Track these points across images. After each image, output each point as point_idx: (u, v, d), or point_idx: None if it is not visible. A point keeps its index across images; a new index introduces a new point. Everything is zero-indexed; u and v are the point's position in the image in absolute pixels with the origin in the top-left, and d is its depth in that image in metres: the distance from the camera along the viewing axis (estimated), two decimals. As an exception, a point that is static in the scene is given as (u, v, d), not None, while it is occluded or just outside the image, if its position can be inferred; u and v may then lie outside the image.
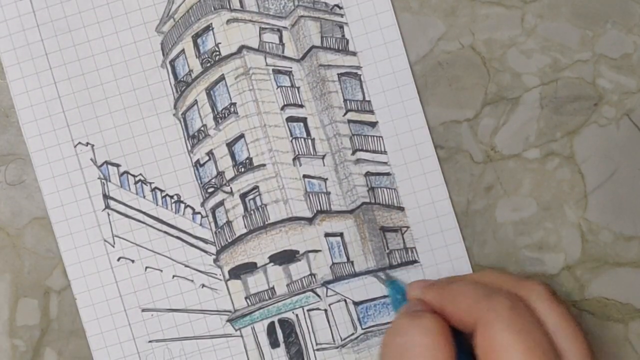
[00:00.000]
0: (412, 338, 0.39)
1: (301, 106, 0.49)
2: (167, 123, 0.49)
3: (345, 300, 0.49)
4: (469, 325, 0.39)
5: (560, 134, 0.49)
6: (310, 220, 0.49)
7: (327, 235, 0.49)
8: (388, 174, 0.49)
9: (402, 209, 0.49)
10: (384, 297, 0.49)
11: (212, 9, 0.49)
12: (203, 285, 0.49)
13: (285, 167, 0.49)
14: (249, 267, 0.49)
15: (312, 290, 0.49)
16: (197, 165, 0.49)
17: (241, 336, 0.49)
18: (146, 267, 0.49)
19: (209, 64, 0.49)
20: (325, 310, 0.49)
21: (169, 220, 0.49)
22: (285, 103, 0.49)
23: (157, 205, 0.49)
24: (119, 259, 0.49)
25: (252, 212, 0.49)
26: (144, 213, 0.49)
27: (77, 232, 0.49)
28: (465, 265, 0.49)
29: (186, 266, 0.49)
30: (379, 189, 0.49)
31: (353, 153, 0.49)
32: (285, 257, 0.49)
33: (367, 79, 0.49)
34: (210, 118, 0.49)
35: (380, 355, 0.41)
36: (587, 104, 0.49)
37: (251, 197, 0.49)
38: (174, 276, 0.49)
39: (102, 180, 0.49)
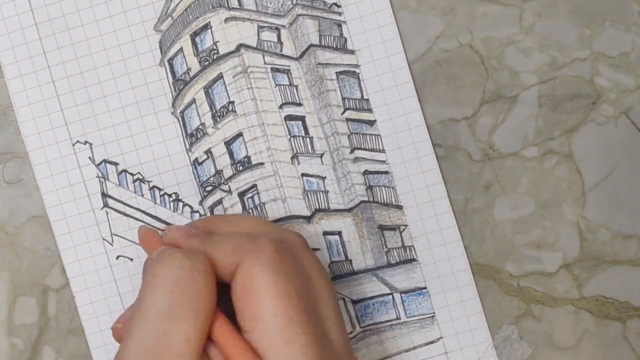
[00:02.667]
0: (185, 272, 0.39)
1: (299, 105, 0.49)
2: (166, 121, 0.49)
3: (343, 299, 0.49)
4: (231, 270, 0.40)
5: (558, 133, 0.49)
6: (308, 219, 0.49)
7: (325, 233, 0.49)
8: (386, 172, 0.49)
9: (400, 207, 0.49)
10: (383, 295, 0.49)
11: (210, 7, 0.49)
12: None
13: (283, 166, 0.49)
14: (248, 266, 0.49)
15: (311, 289, 0.49)
16: (196, 163, 0.49)
17: (239, 334, 0.49)
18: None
19: (207, 63, 0.49)
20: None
21: (167, 218, 0.49)
22: (284, 101, 0.49)
23: (155, 203, 0.49)
24: (117, 257, 0.49)
25: (250, 210, 0.49)
26: (143, 211, 0.49)
27: (76, 230, 0.49)
28: (463, 264, 0.49)
29: (184, 265, 0.49)
30: (377, 188, 0.49)
31: (351, 151, 0.49)
32: (284, 256, 0.49)
33: (365, 78, 0.49)
34: (208, 116, 0.49)
35: (143, 288, 0.40)
36: (586, 102, 0.49)
37: (249, 195, 0.49)
38: (172, 275, 0.49)
39: (101, 179, 0.49)
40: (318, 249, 0.49)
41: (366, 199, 0.49)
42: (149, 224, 0.49)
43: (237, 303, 0.39)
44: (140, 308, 0.39)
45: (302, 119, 0.49)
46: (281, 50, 0.50)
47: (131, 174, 0.49)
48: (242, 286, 0.39)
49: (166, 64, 0.50)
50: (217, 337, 0.39)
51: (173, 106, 0.49)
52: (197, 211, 0.49)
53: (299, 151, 0.49)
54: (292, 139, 0.49)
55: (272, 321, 0.38)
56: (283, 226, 0.47)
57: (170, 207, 0.49)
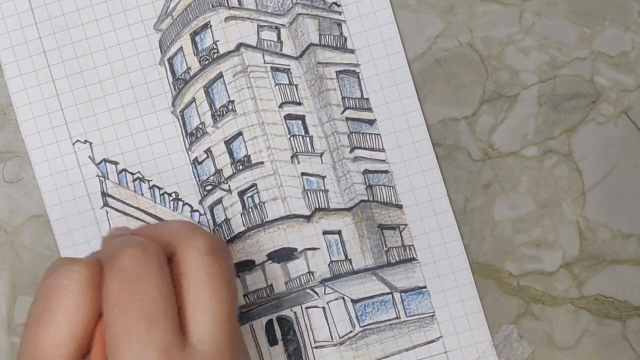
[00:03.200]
0: (57, 280, 0.39)
1: (299, 104, 0.49)
2: (165, 121, 0.49)
3: (343, 298, 0.49)
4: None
5: (558, 132, 0.49)
6: (308, 218, 0.49)
7: (325, 233, 0.49)
8: (386, 171, 0.49)
9: (400, 206, 0.49)
10: (383, 294, 0.49)
11: (210, 6, 0.49)
12: (201, 283, 0.49)
13: (283, 165, 0.49)
14: (247, 265, 0.49)
15: (311, 288, 0.49)
16: (195, 162, 0.49)
17: (239, 334, 0.49)
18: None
19: (207, 62, 0.49)
20: (324, 308, 0.49)
21: (167, 217, 0.49)
22: (284, 101, 0.49)
23: (155, 202, 0.49)
24: (117, 257, 0.49)
25: (250, 209, 0.49)
26: (142, 211, 0.49)
27: (76, 229, 0.49)
28: (463, 263, 0.49)
29: (184, 264, 0.49)
30: (377, 187, 0.49)
31: (351, 151, 0.49)
32: (284, 255, 0.49)
33: (365, 77, 0.49)
34: (208, 116, 0.49)
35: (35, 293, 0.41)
36: (585, 101, 0.49)
37: (249, 194, 0.49)
38: (172, 274, 0.49)
39: (100, 178, 0.49)
40: (317, 248, 0.49)
41: (366, 198, 0.49)
42: (148, 223, 0.49)
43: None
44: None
45: (302, 118, 0.49)
46: (281, 50, 0.50)
47: (131, 173, 0.49)
48: (102, 295, 0.40)
49: (166, 63, 0.50)
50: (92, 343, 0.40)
51: (173, 105, 0.49)
52: (197, 210, 0.49)
53: (298, 150, 0.49)
54: (291, 138, 0.49)
55: (113, 331, 0.38)
56: (201, 228, 0.46)
57: (170, 206, 0.49)
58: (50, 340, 0.39)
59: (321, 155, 0.49)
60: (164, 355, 0.38)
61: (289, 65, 0.50)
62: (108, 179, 0.49)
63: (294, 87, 0.49)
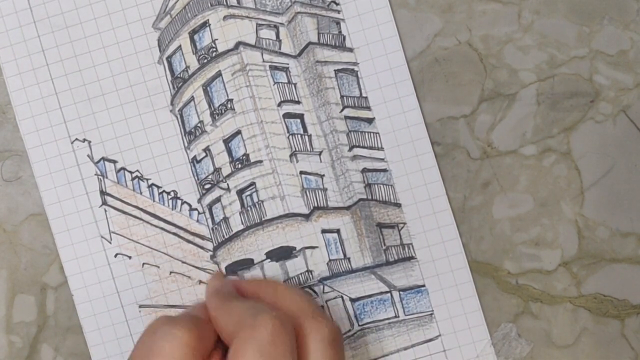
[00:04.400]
0: (158, 342, 0.40)
1: (298, 102, 0.49)
2: (164, 119, 0.49)
3: (342, 297, 0.49)
4: (228, 340, 0.41)
5: (556, 130, 0.49)
6: (307, 217, 0.49)
7: (324, 231, 0.49)
8: (385, 170, 0.49)
9: (398, 205, 0.49)
10: (381, 293, 0.49)
11: (209, 5, 0.49)
12: (200, 282, 0.49)
13: (282, 164, 0.49)
14: (246, 264, 0.49)
15: (309, 287, 0.49)
16: (194, 161, 0.49)
17: (238, 332, 0.49)
18: (143, 264, 0.49)
19: (205, 61, 0.49)
20: (322, 307, 0.49)
21: (165, 216, 0.49)
22: (282, 99, 0.49)
23: (154, 201, 0.49)
24: (116, 256, 0.49)
25: (249, 208, 0.49)
26: (141, 209, 0.49)
27: (74, 228, 0.49)
28: (462, 261, 0.49)
29: (183, 262, 0.49)
30: (376, 185, 0.49)
31: (350, 149, 0.49)
32: (282, 254, 0.49)
33: (363, 76, 0.49)
34: (207, 114, 0.49)
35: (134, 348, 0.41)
36: (584, 100, 0.49)
37: (248, 193, 0.49)
38: (171, 272, 0.49)
39: (99, 177, 0.49)
40: (316, 247, 0.49)
41: (365, 196, 0.49)
42: (147, 222, 0.49)
43: None
44: None
45: (300, 116, 0.49)
46: (280, 48, 0.50)
47: (130, 172, 0.49)
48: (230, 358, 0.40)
49: (165, 61, 0.50)
50: None
51: (172, 104, 0.49)
52: (196, 209, 0.49)
53: (297, 149, 0.49)
54: (290, 136, 0.49)
55: None
56: (325, 312, 0.47)
57: (168, 205, 0.49)
58: None
59: (320, 153, 0.49)
60: None
61: (288, 64, 0.50)
62: (107, 177, 0.49)
63: (293, 85, 0.49)
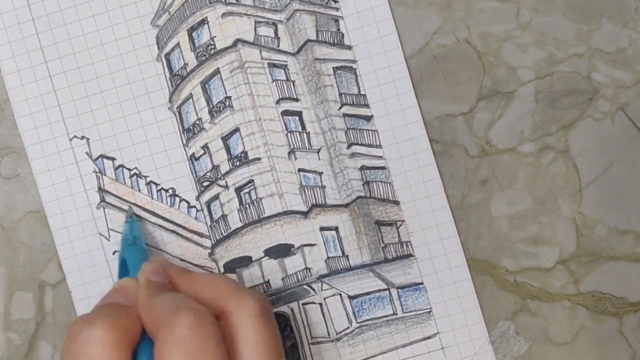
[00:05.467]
0: (82, 347, 0.39)
1: (296, 100, 0.49)
2: (162, 117, 0.49)
3: (340, 294, 0.49)
4: (153, 335, 0.40)
5: (555, 128, 0.49)
6: (305, 214, 0.49)
7: (322, 229, 0.49)
8: (383, 167, 0.49)
9: (397, 202, 0.49)
10: (379, 291, 0.49)
11: (208, 2, 0.49)
12: (198, 279, 0.49)
13: (280, 161, 0.49)
14: (244, 261, 0.49)
15: (308, 285, 0.49)
16: (192, 158, 0.49)
17: (236, 330, 0.49)
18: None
19: (204, 58, 0.49)
20: (320, 304, 0.49)
21: (164, 214, 0.49)
22: (281, 97, 0.49)
23: (152, 198, 0.49)
24: (114, 253, 0.49)
25: (247, 205, 0.49)
26: (139, 207, 0.49)
27: (72, 225, 0.49)
28: (460, 259, 0.49)
29: (181, 260, 0.49)
30: (374, 183, 0.49)
31: (348, 147, 0.49)
32: (281, 251, 0.49)
33: (362, 73, 0.49)
34: (205, 112, 0.49)
35: None
36: (582, 98, 0.49)
37: (246, 190, 0.49)
38: (169, 270, 0.49)
39: (98, 174, 0.49)
40: (314, 244, 0.49)
41: (363, 194, 0.49)
42: (145, 219, 0.49)
43: None
44: None
45: (299, 114, 0.49)
46: (278, 46, 0.50)
47: (128, 169, 0.49)
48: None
49: (163, 59, 0.50)
50: None
51: (170, 101, 0.49)
52: (194, 206, 0.49)
53: (296, 146, 0.49)
54: (289, 134, 0.49)
55: None
56: (247, 288, 0.46)
57: (167, 203, 0.49)
58: None
59: (318, 151, 0.49)
60: None
61: (286, 62, 0.50)
62: (105, 175, 0.49)
63: (291, 83, 0.49)
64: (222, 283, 0.43)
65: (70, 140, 0.49)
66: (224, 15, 0.49)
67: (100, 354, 0.39)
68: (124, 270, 0.46)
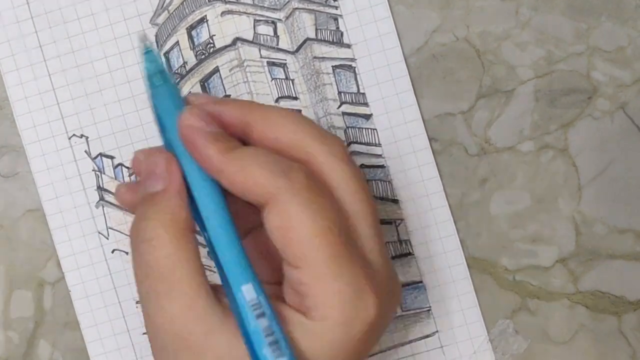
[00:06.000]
0: (149, 250, 0.37)
1: (295, 98, 0.49)
2: (162, 115, 0.49)
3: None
4: (258, 200, 0.37)
5: (554, 127, 0.49)
6: (304, 213, 0.49)
7: (321, 227, 0.49)
8: (382, 166, 0.49)
9: (396, 201, 0.49)
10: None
11: (207, 0, 0.49)
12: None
13: (279, 160, 0.49)
14: (243, 260, 0.49)
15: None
16: (192, 157, 0.49)
17: (235, 328, 0.49)
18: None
19: (203, 56, 0.49)
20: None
21: (163, 212, 0.49)
22: (280, 95, 0.49)
23: (151, 197, 0.49)
24: (113, 251, 0.49)
25: (246, 204, 0.49)
26: (138, 205, 0.49)
27: (72, 224, 0.49)
28: (459, 258, 0.49)
29: (180, 258, 0.49)
30: (373, 182, 0.49)
31: (347, 145, 0.49)
32: (280, 250, 0.49)
33: (361, 72, 0.49)
34: (204, 110, 0.49)
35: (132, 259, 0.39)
36: (582, 96, 0.49)
37: (245, 189, 0.49)
38: (168, 268, 0.49)
39: (97, 172, 0.49)
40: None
41: (362, 193, 0.49)
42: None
43: (277, 242, 0.37)
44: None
45: (298, 112, 0.49)
46: (277, 44, 0.50)
47: (127, 168, 0.49)
48: (280, 226, 0.36)
49: (162, 57, 0.49)
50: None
51: (169, 100, 0.49)
52: (193, 205, 0.49)
53: (295, 145, 0.49)
54: (288, 132, 0.49)
55: (317, 260, 0.36)
56: (327, 131, 0.43)
57: (166, 201, 0.49)
58: (176, 307, 0.36)
59: (317, 150, 0.49)
60: (367, 278, 0.36)
61: (285, 60, 0.50)
62: (104, 173, 0.49)
63: (290, 81, 0.49)
64: (304, 125, 0.39)
65: (69, 138, 0.49)
66: (223, 13, 0.49)
67: (172, 248, 0.37)
68: (163, 127, 0.39)
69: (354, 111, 0.49)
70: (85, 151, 0.49)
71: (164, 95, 0.38)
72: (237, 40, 0.49)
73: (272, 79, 0.49)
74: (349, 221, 0.38)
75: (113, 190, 0.49)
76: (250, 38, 0.49)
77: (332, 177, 0.38)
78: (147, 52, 0.39)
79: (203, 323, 0.37)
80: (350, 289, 0.36)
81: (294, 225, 0.36)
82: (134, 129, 0.49)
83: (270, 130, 0.38)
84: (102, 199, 0.49)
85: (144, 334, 0.49)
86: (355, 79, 0.49)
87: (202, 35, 0.50)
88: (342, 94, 0.49)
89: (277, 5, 0.50)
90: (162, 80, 0.39)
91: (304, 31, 0.49)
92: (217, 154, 0.37)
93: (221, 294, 0.38)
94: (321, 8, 0.49)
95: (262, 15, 0.49)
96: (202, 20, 0.49)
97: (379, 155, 0.49)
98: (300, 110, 0.49)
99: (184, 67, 0.49)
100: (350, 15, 0.49)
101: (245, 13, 0.49)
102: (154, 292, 0.37)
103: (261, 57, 0.49)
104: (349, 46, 0.49)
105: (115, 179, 0.49)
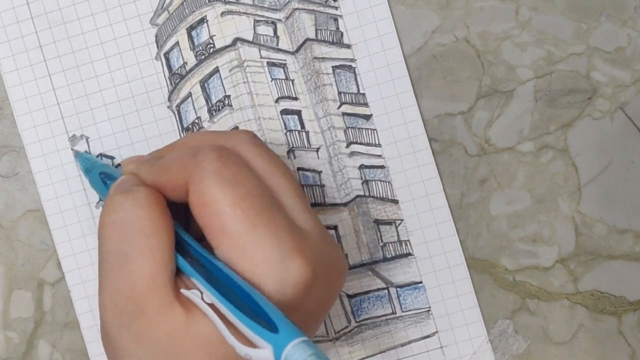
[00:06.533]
0: (127, 213, 0.39)
1: (295, 99, 0.49)
2: (162, 115, 0.49)
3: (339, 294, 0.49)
4: (184, 189, 0.39)
5: (554, 127, 0.49)
6: (304, 213, 0.49)
7: (321, 228, 0.49)
8: (382, 166, 0.49)
9: (396, 201, 0.49)
10: (378, 289, 0.49)
11: (207, 1, 0.49)
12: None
13: (279, 160, 0.49)
14: (243, 260, 0.49)
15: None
16: (191, 157, 0.49)
17: (235, 328, 0.49)
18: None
19: (203, 57, 0.49)
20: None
21: (163, 212, 0.49)
22: (280, 96, 0.49)
23: (151, 197, 0.49)
24: (113, 251, 0.49)
25: (246, 204, 0.49)
26: (138, 205, 0.49)
27: (72, 224, 0.49)
28: (459, 258, 0.49)
29: (180, 259, 0.49)
30: (373, 182, 0.49)
31: (347, 146, 0.49)
32: (280, 250, 0.49)
33: (361, 72, 0.49)
34: (204, 110, 0.49)
35: (99, 238, 0.40)
36: (581, 97, 0.49)
37: (245, 189, 0.49)
38: (168, 269, 0.49)
39: (97, 173, 0.49)
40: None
41: (362, 193, 0.49)
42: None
43: (199, 221, 0.38)
44: (99, 259, 0.39)
45: (298, 113, 0.49)
46: (277, 45, 0.50)
47: (127, 168, 0.49)
48: (197, 204, 0.38)
49: (162, 57, 0.50)
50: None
51: (169, 100, 0.49)
52: (193, 205, 0.49)
53: (295, 145, 0.49)
54: (288, 133, 0.49)
55: (235, 230, 0.37)
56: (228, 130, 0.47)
57: (166, 201, 0.49)
58: (146, 272, 0.38)
59: (317, 150, 0.49)
60: (294, 242, 0.38)
61: (285, 60, 0.50)
62: (104, 173, 0.49)
63: (290, 82, 0.49)
64: (210, 134, 0.43)
65: (70, 139, 0.49)
66: (223, 14, 0.49)
67: (146, 214, 0.38)
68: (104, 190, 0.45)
69: (354, 111, 0.49)
70: (85, 151, 0.49)
71: (96, 176, 0.46)
72: (237, 40, 0.49)
73: (272, 79, 0.49)
74: (274, 194, 0.40)
75: (113, 191, 0.49)
76: (250, 38, 0.49)
77: (249, 159, 0.40)
78: (80, 155, 0.48)
79: (161, 296, 0.38)
80: (277, 253, 0.37)
81: (207, 200, 0.38)
82: (134, 129, 0.49)
83: (186, 144, 0.43)
84: (102, 199, 0.49)
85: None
86: (355, 80, 0.49)
87: (202, 35, 0.50)
88: (342, 94, 0.49)
89: (277, 5, 0.50)
90: (92, 168, 0.46)
91: (304, 31, 0.50)
92: (146, 168, 0.41)
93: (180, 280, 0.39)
94: (321, 8, 0.49)
95: (262, 16, 0.49)
96: (202, 20, 0.49)
97: (379, 156, 0.49)
98: (300, 111, 0.49)
99: (184, 67, 0.49)
100: (350, 16, 0.49)
101: (245, 13, 0.49)
102: (122, 254, 0.38)
103: (261, 57, 0.49)
104: (349, 46, 0.49)
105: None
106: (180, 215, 0.41)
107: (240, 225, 0.37)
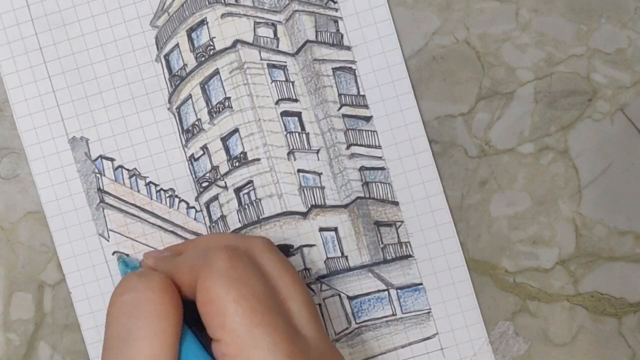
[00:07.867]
0: (139, 294, 0.40)
1: (296, 100, 0.49)
2: (162, 117, 0.49)
3: (339, 295, 0.49)
4: (195, 288, 0.40)
5: (554, 129, 0.49)
6: (304, 215, 0.49)
7: (321, 229, 0.49)
8: (382, 168, 0.49)
9: (396, 203, 0.49)
10: (379, 291, 0.49)
11: (207, 3, 0.49)
12: (198, 280, 0.49)
13: (279, 162, 0.49)
14: (244, 262, 0.49)
15: (307, 285, 0.49)
16: (192, 159, 0.49)
17: (235, 330, 0.49)
18: (140, 262, 0.49)
19: (203, 58, 0.49)
20: (320, 305, 0.49)
21: (163, 214, 0.49)
22: (280, 97, 0.49)
23: (151, 199, 0.49)
24: (113, 253, 0.49)
25: (246, 206, 0.49)
26: (139, 207, 0.49)
27: (72, 226, 0.49)
28: (459, 260, 0.49)
29: (181, 260, 0.49)
30: (374, 184, 0.49)
31: (347, 147, 0.49)
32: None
33: (361, 74, 0.49)
34: (204, 112, 0.49)
35: (107, 315, 0.41)
36: (582, 98, 0.49)
37: (245, 191, 0.49)
38: (168, 270, 0.49)
39: (97, 175, 0.49)
40: (314, 245, 0.49)
41: (362, 195, 0.49)
42: (145, 220, 0.49)
43: (203, 317, 0.40)
44: (105, 336, 0.40)
45: (298, 115, 0.49)
46: (277, 46, 0.50)
47: (127, 170, 0.49)
48: (202, 300, 0.39)
49: (162, 59, 0.50)
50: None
51: (169, 102, 0.49)
52: (193, 207, 0.49)
53: (295, 147, 0.49)
54: (288, 135, 0.49)
55: (235, 328, 0.38)
56: (246, 234, 0.49)
57: (166, 203, 0.49)
58: (148, 355, 0.39)
59: (317, 152, 0.49)
60: (290, 348, 0.38)
61: (286, 62, 0.50)
62: (104, 175, 0.49)
63: (291, 83, 0.49)
64: (228, 235, 0.45)
65: (70, 140, 0.49)
66: (223, 16, 0.49)
67: (157, 297, 0.40)
68: None
69: (354, 113, 0.49)
70: (85, 153, 0.49)
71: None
72: (237, 42, 0.49)
73: (272, 81, 0.49)
74: (281, 299, 0.41)
75: (113, 192, 0.49)
76: (251, 40, 0.49)
77: (262, 262, 0.42)
78: (121, 261, 0.48)
79: None
80: (271, 357, 0.38)
81: (211, 297, 0.39)
82: (134, 131, 0.49)
83: (203, 243, 0.45)
84: (102, 201, 0.49)
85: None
86: (356, 81, 0.49)
87: (202, 37, 0.50)
88: (342, 96, 0.49)
89: (277, 7, 0.50)
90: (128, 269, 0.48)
91: (304, 33, 0.50)
92: (163, 265, 0.44)
93: None
94: (321, 10, 0.49)
95: (262, 18, 0.49)
96: (202, 22, 0.49)
97: (379, 157, 0.49)
98: (300, 113, 0.49)
99: (184, 69, 0.49)
100: (350, 18, 0.49)
101: (245, 15, 0.49)
102: (128, 333, 0.39)
103: (261, 59, 0.49)
104: (349, 48, 0.49)
105: (116, 181, 0.49)
106: (195, 315, 0.42)
107: (241, 324, 0.38)
